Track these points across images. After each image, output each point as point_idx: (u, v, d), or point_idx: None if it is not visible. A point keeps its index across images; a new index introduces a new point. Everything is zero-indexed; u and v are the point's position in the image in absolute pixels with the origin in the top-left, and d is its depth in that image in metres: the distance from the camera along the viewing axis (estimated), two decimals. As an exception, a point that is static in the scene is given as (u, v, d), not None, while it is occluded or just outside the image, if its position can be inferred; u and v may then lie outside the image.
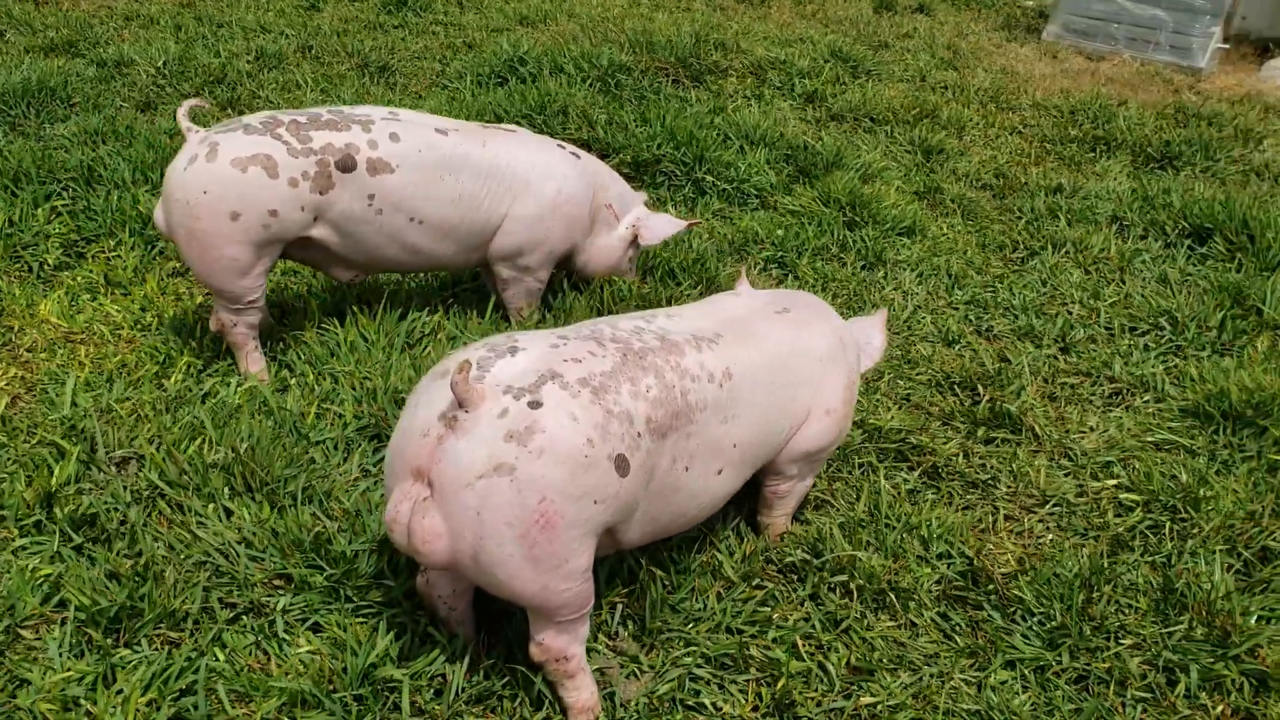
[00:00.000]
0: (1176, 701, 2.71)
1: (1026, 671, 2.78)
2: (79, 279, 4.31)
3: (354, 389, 3.52)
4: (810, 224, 5.20)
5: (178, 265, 4.46)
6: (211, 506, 2.99)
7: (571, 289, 4.19)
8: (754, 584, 2.94)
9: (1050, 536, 3.32)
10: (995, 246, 5.31)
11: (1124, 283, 4.94)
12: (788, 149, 5.98)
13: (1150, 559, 3.16)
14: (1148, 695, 2.73)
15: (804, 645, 2.77)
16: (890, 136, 6.56)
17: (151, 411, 3.45)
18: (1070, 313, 4.64)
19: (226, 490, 3.03)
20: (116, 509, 2.99)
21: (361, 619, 2.68)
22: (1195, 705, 2.71)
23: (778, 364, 2.75)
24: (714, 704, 2.63)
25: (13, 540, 2.89)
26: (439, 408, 2.26)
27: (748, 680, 2.68)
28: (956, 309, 4.64)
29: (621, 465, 2.28)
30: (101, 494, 3.05)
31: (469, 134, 3.74)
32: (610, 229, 4.10)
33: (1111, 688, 2.74)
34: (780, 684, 2.62)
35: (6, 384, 3.66)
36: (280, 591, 2.78)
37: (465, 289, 4.37)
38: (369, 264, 3.73)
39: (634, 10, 9.01)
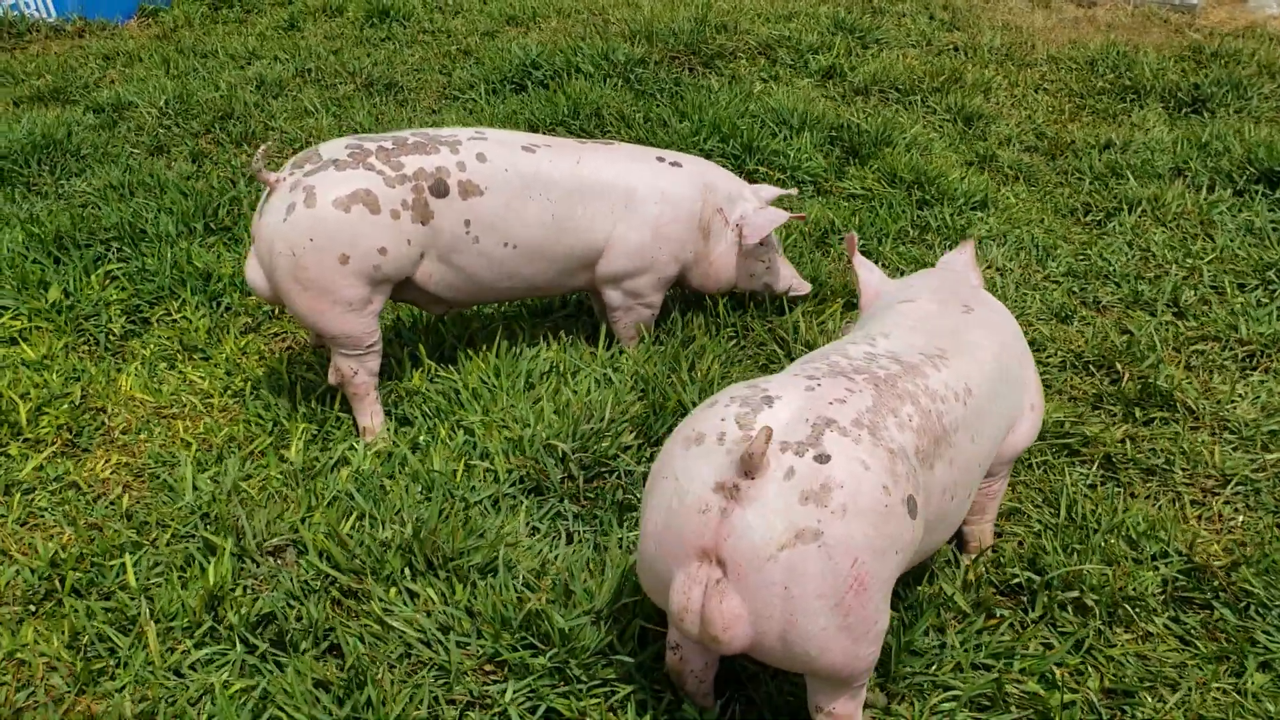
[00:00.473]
0: None
1: (1285, 671, 2.66)
2: (151, 347, 4.05)
3: (496, 440, 3.30)
4: (881, 206, 5.04)
5: (249, 321, 4.21)
6: (394, 591, 2.78)
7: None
8: (987, 613, 2.78)
9: (1241, 519, 3.20)
10: (1068, 211, 5.19)
11: (1211, 238, 4.83)
12: (830, 130, 5.80)
13: (1360, 532, 3.05)
14: None
15: (1060, 673, 2.62)
16: (926, 106, 6.40)
17: (284, 488, 3.23)
18: (1170, 274, 4.52)
19: (406, 570, 2.82)
20: (291, 604, 2.76)
21: (595, 699, 2.49)
22: None
23: (998, 371, 2.60)
24: (983, 747, 2.48)
25: (189, 653, 2.66)
26: (706, 478, 2.06)
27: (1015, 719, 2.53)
28: (1057, 282, 4.51)
29: (912, 507, 2.12)
30: (269, 590, 2.82)
31: (561, 151, 3.54)
32: (722, 236, 3.78)
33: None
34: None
35: (113, 472, 3.41)
36: (495, 678, 2.58)
37: (563, 315, 4.16)
38: (468, 296, 3.53)
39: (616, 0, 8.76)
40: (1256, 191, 5.19)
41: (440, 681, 2.55)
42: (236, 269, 4.44)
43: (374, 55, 7.32)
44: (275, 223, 3.15)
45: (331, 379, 3.43)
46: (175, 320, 4.22)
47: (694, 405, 3.38)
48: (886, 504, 2.04)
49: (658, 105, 6.07)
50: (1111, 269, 4.57)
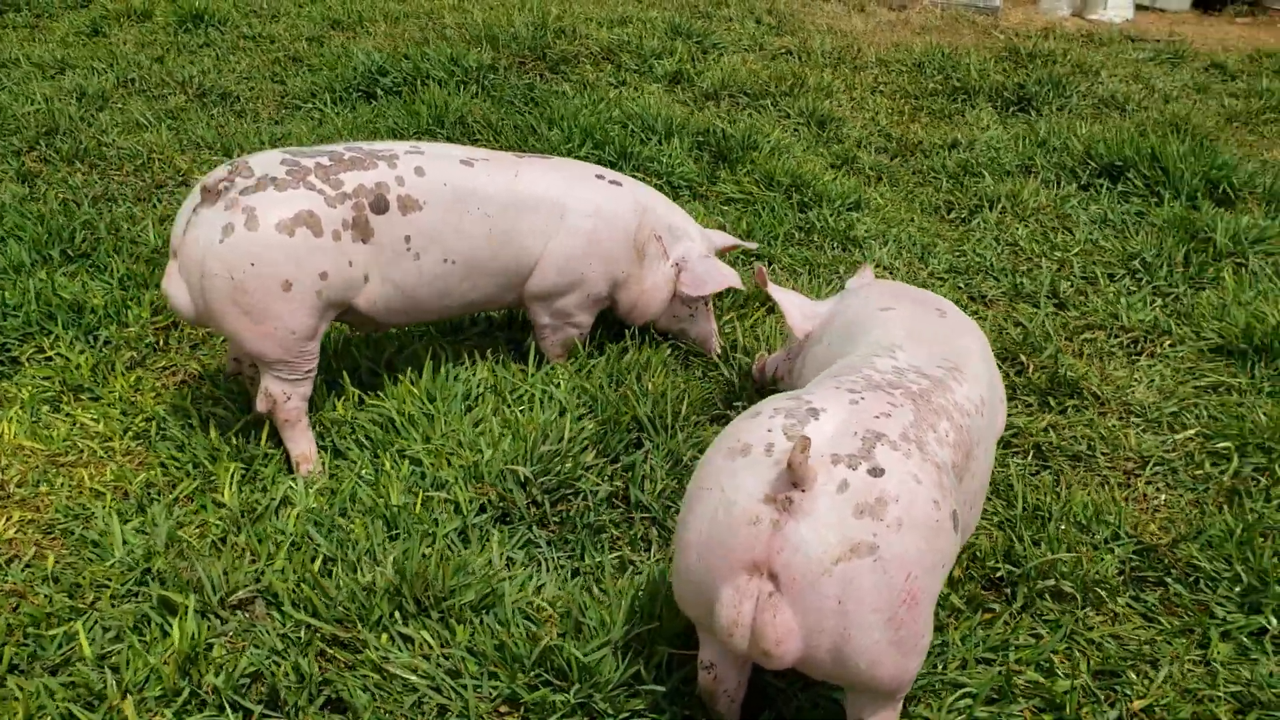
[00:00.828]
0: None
1: (1246, 640, 2.84)
2: (27, 390, 3.68)
3: (448, 469, 3.17)
4: (764, 210, 5.12)
5: (134, 356, 3.90)
6: (385, 636, 2.63)
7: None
8: (981, 608, 2.86)
9: (1164, 497, 3.40)
10: (931, 210, 5.41)
11: (1070, 231, 5.13)
12: (697, 135, 5.85)
13: (1276, 505, 3.29)
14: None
15: (1058, 661, 2.72)
16: (778, 109, 6.54)
17: (228, 534, 3.01)
18: (1042, 267, 4.78)
19: (396, 614, 2.67)
20: (278, 660, 2.57)
21: (627, 732, 2.43)
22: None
23: (990, 377, 2.68)
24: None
25: (172, 726, 2.44)
26: (755, 490, 2.05)
27: (1022, 709, 2.61)
28: (942, 279, 4.69)
29: (956, 522, 2.15)
30: (252, 646, 2.62)
31: (499, 164, 3.45)
32: (657, 265, 3.69)
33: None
34: (1068, 707, 2.56)
35: (18, 531, 3.10)
36: (510, 718, 2.48)
37: (476, 332, 4.03)
38: (404, 315, 3.39)
39: (442, 4, 8.55)
40: (1101, 185, 5.55)
41: (461, 730, 2.43)
42: (109, 300, 4.11)
43: (198, 63, 6.93)
44: (209, 242, 2.94)
45: (260, 406, 3.22)
46: (50, 358, 3.86)
47: (649, 419, 3.35)
48: (937, 519, 2.07)
49: (519, 112, 5.97)
50: (988, 264, 4.79)
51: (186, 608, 2.68)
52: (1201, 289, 4.57)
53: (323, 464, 3.32)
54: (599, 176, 3.64)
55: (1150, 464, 3.51)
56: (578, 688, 2.46)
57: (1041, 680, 2.64)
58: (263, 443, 3.35)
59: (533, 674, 2.52)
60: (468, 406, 3.49)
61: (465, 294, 3.43)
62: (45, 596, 2.81)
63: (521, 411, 3.40)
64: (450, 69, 6.43)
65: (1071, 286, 4.59)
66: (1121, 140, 5.69)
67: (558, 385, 3.56)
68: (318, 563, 2.85)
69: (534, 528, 3.06)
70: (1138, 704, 2.62)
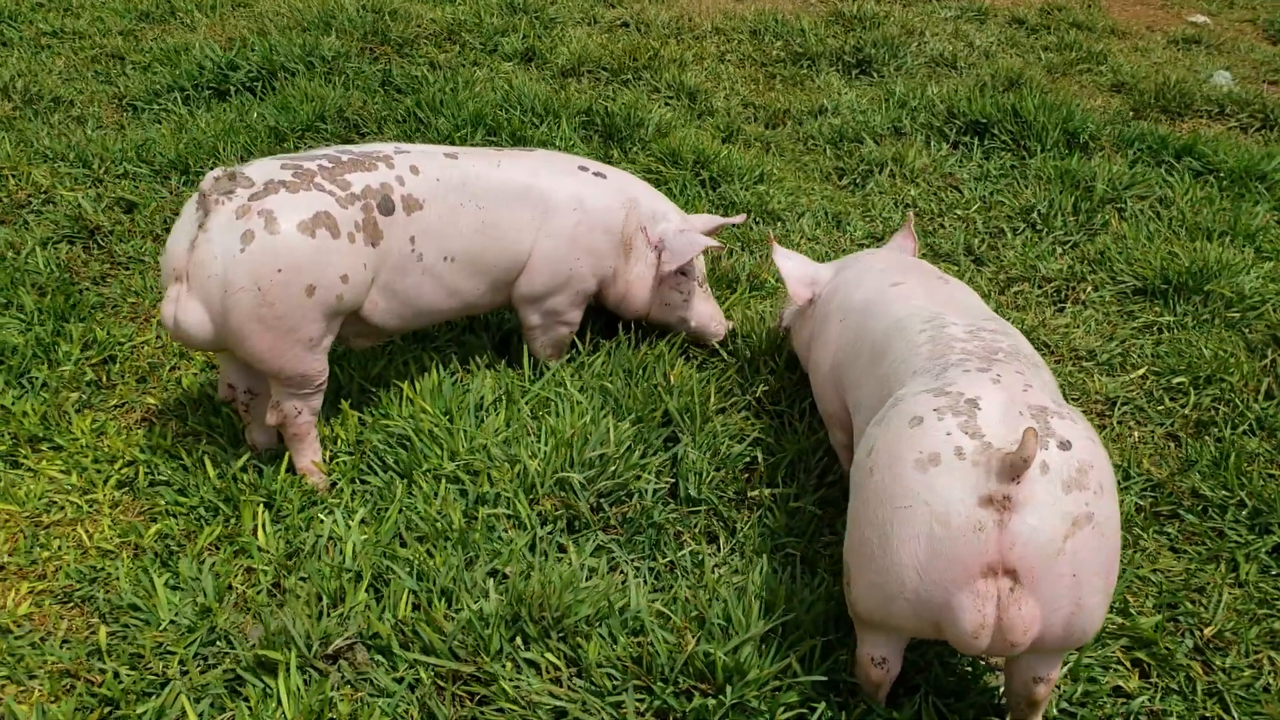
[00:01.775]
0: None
1: (1266, 558, 3.12)
2: (-28, 446, 3.32)
3: (497, 484, 3.08)
4: (676, 188, 5.14)
5: (80, 396, 3.56)
6: (510, 665, 2.54)
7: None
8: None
9: (1138, 433, 3.68)
10: (824, 177, 5.57)
11: (959, 190, 5.41)
12: (582, 115, 5.80)
13: (1241, 431, 3.62)
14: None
15: (1131, 600, 2.92)
16: (644, 84, 6.54)
17: (282, 579, 2.83)
18: (946, 226, 5.02)
19: (518, 640, 2.58)
20: (406, 708, 2.45)
21: (787, 727, 2.45)
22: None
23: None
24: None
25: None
26: (966, 497, 2.11)
27: (1113, 650, 2.79)
28: (862, 244, 4.85)
29: None
30: (370, 694, 2.47)
31: (481, 157, 3.40)
32: (643, 255, 3.65)
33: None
34: (1158, 643, 2.76)
35: (34, 604, 2.80)
36: (665, 730, 2.46)
37: (444, 339, 3.90)
38: (403, 321, 3.29)
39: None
40: (971, 143, 5.86)
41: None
42: (29, 338, 3.72)
43: (8, 65, 6.28)
44: (229, 255, 2.76)
45: (271, 420, 3.08)
46: (-13, 408, 3.48)
47: (679, 412, 3.34)
48: (1110, 471, 2.20)
49: (396, 101, 5.75)
50: (898, 228, 4.98)
51: (288, 665, 2.51)
52: (1095, 235, 4.92)
53: (327, 474, 3.18)
54: (582, 168, 3.58)
55: (1118, 405, 3.78)
56: (730, 690, 2.47)
57: (1123, 621, 2.82)
58: (281, 475, 3.15)
59: (678, 682, 2.50)
60: (480, 418, 3.39)
61: (466, 293, 3.35)
62: (107, 673, 2.56)
63: (544, 416, 3.32)
64: (307, 60, 6.10)
65: (982, 243, 4.85)
66: (984, 99, 6.01)
67: (563, 386, 3.50)
68: (405, 598, 2.71)
69: (600, 533, 3.01)
70: (1209, 631, 2.85)
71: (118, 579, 2.87)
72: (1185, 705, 2.66)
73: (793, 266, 3.43)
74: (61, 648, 2.67)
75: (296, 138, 5.28)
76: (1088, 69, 7.33)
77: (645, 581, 2.88)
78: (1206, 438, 3.58)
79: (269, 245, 2.77)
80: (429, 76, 6.29)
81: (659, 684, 2.49)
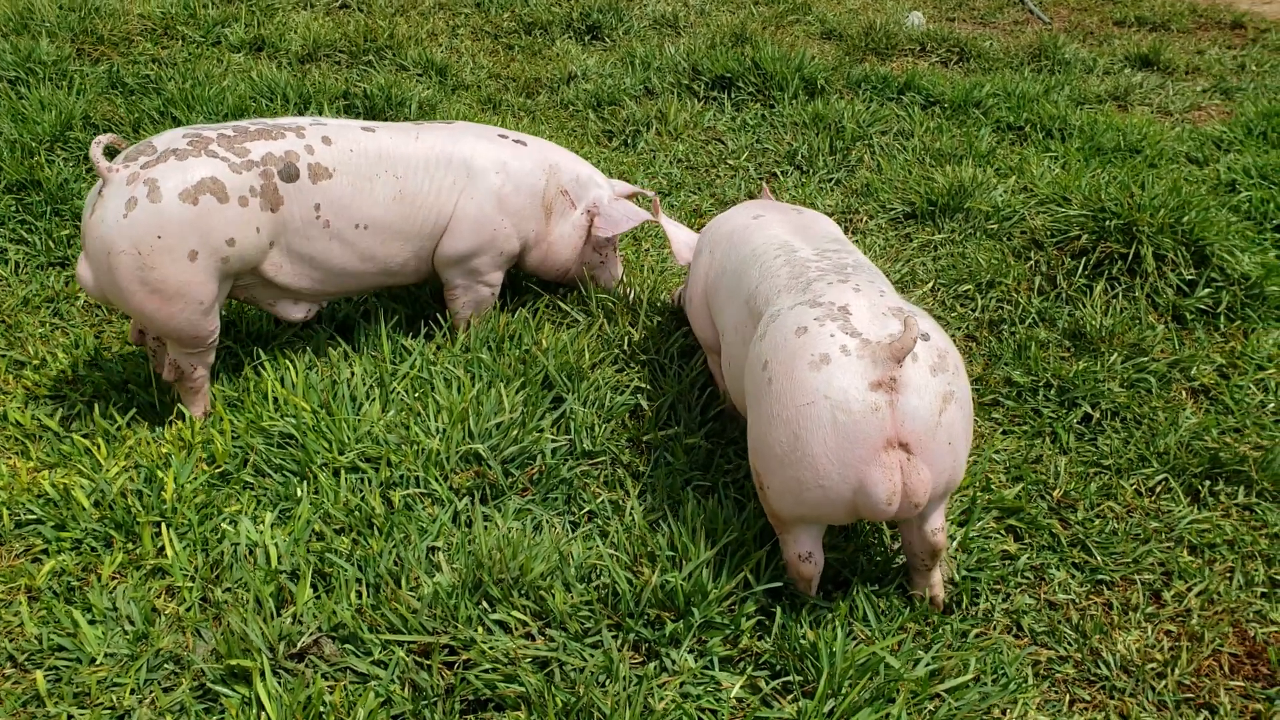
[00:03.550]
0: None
1: (1084, 429, 3.62)
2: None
3: (400, 467, 3.11)
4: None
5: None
6: (481, 629, 2.61)
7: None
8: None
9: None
10: (595, 140, 5.77)
11: (723, 142, 5.75)
12: (342, 99, 5.71)
13: (1028, 324, 4.14)
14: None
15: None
16: (392, 63, 6.47)
17: (210, 592, 2.76)
18: (723, 176, 5.36)
19: (484, 604, 2.65)
20: (391, 687, 2.48)
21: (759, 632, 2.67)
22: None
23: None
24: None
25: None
26: (858, 385, 2.41)
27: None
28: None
29: None
30: (351, 684, 2.49)
31: (399, 129, 3.56)
32: (565, 217, 3.81)
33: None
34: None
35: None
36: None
37: (290, 334, 3.83)
38: (320, 285, 3.44)
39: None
40: (721, 97, 6.21)
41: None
42: None
43: None
44: (114, 220, 2.98)
45: (167, 376, 3.33)
46: None
47: (558, 373, 3.47)
48: (959, 355, 2.61)
49: (138, 103, 5.46)
50: (684, 182, 5.27)
51: (261, 670, 2.48)
52: (854, 170, 5.39)
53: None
54: (502, 136, 3.74)
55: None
56: (696, 611, 2.65)
57: (989, 496, 3.23)
58: (168, 493, 3.04)
59: (645, 614, 2.66)
60: (356, 405, 3.39)
61: (384, 259, 3.49)
62: (59, 716, 2.45)
63: (428, 396, 3.37)
64: (27, 67, 5.67)
65: (759, 189, 5.20)
66: (726, 55, 6.38)
67: (435, 364, 3.55)
68: (351, 588, 2.73)
69: (516, 497, 3.11)
70: (1057, 494, 3.30)
71: (21, 624, 2.71)
72: (1058, 557, 3.08)
73: (677, 230, 3.78)
74: (-4, 704, 2.51)
75: (45, 150, 4.92)
76: (797, 19, 7.89)
77: (576, 532, 3.01)
78: (1002, 333, 4.07)
79: (150, 211, 2.97)
80: (163, 74, 5.99)
81: (628, 620, 2.65)
